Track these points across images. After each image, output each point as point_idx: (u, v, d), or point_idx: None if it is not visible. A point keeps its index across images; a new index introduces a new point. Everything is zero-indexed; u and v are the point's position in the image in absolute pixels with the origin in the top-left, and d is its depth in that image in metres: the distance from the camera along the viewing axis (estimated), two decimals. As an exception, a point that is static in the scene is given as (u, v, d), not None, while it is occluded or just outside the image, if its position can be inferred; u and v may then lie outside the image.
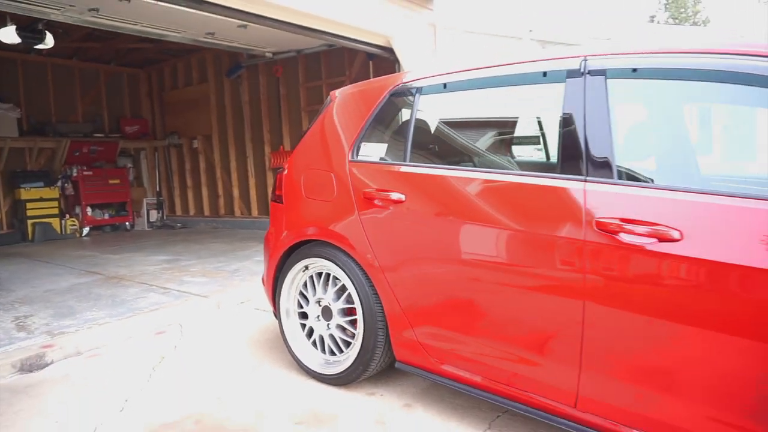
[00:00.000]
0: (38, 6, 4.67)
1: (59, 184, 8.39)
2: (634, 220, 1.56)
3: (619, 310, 1.61)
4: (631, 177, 1.71)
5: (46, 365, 2.88)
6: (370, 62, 6.63)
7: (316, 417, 2.18)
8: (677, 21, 24.50)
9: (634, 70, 1.77)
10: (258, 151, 8.24)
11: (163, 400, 2.39)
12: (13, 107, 7.83)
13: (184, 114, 9.23)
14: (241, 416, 2.21)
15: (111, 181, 8.88)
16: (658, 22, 25.97)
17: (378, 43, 5.68)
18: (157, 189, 9.76)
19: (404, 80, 2.39)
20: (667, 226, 1.51)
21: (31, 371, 2.82)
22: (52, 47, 6.19)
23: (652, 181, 1.74)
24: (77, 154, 8.59)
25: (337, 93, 2.71)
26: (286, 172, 2.73)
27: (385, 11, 5.49)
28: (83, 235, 8.41)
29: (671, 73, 1.70)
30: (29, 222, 7.93)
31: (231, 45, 6.50)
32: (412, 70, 2.49)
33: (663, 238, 1.51)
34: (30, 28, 5.79)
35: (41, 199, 8.07)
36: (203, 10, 4.14)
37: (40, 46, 6.05)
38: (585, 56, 1.83)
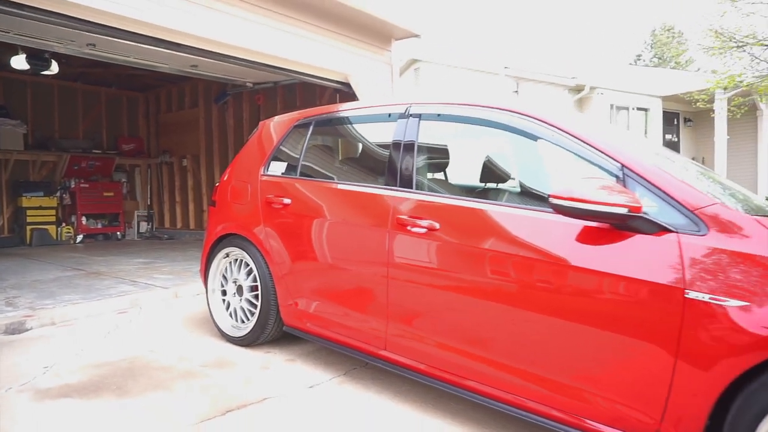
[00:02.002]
0: (45, 40, 5.55)
1: (58, 194, 9.21)
2: (418, 217, 2.33)
3: (408, 276, 2.36)
4: (421, 189, 2.48)
5: (27, 330, 3.62)
6: (337, 95, 7.48)
7: (220, 363, 2.92)
8: (661, 60, 25.51)
9: (438, 114, 2.57)
10: (239, 171, 9.04)
11: (109, 350, 3.13)
12: (21, 123, 8.71)
13: (176, 135, 10.11)
14: (164, 360, 2.95)
15: (106, 194, 9.69)
16: (644, 61, 26.98)
17: (337, 79, 6.54)
18: (148, 203, 10.59)
19: (303, 116, 3.19)
20: (433, 220, 2.27)
21: (14, 333, 3.55)
22: (58, 71, 7.09)
23: (429, 191, 2.50)
24: (76, 167, 9.43)
25: (263, 123, 3.52)
26: (219, 184, 3.52)
27: (342, 52, 6.35)
28: (77, 241, 9.19)
29: (455, 118, 2.49)
30: (28, 228, 8.73)
31: (214, 75, 7.37)
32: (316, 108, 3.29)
33: (431, 228, 2.27)
34: (38, 56, 6.68)
35: (40, 207, 8.88)
36: (162, 47, 4.96)
37: (46, 72, 6.94)
38: (410, 104, 2.63)
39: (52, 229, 9.03)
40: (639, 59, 27.88)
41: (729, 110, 10.12)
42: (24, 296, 4.42)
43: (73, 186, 9.28)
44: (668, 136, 15.01)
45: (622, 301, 1.78)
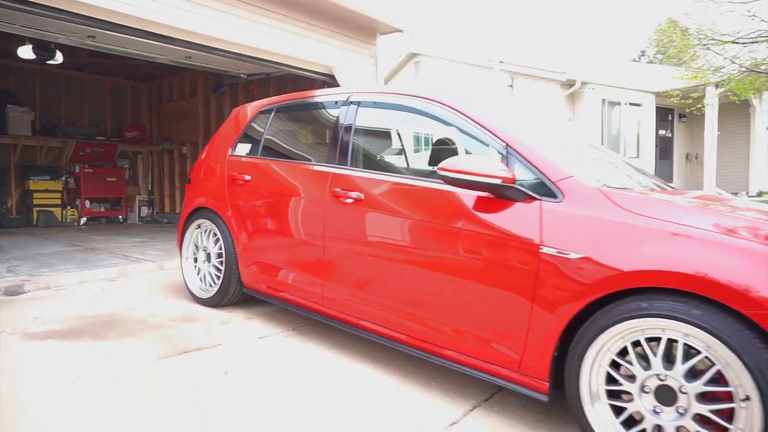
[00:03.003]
0: (48, 32, 5.97)
1: (63, 178, 9.69)
2: (349, 189, 2.71)
3: (340, 240, 2.74)
4: (356, 166, 2.85)
5: (24, 292, 4.05)
6: (325, 86, 7.84)
7: (187, 318, 3.33)
8: (664, 57, 25.65)
9: (374, 102, 2.94)
10: (235, 158, 9.47)
11: (93, 308, 3.55)
12: (29, 110, 9.19)
13: (177, 123, 10.54)
14: (139, 316, 3.37)
15: (109, 179, 10.16)
16: (648, 58, 27.00)
17: (322, 71, 6.91)
18: (149, 188, 11.05)
19: (268, 102, 3.58)
20: (359, 191, 2.65)
21: (12, 295, 3.99)
22: (65, 61, 7.55)
23: (357, 165, 2.86)
24: (81, 153, 9.89)
25: (236, 109, 3.90)
26: (195, 164, 3.91)
27: (327, 46, 6.72)
28: (81, 224, 9.67)
29: (386, 105, 2.86)
30: (35, 209, 9.22)
31: (209, 67, 7.78)
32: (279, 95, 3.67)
33: (357, 199, 2.65)
34: (43, 47, 7.12)
35: (47, 191, 9.37)
36: (155, 40, 5.36)
37: (51, 62, 7.39)
38: (351, 93, 3.00)
39: (57, 211, 9.51)
40: (643, 55, 27.94)
41: (702, 106, 10.37)
42: (24, 266, 4.86)
43: (77, 171, 9.75)
44: (662, 132, 15.20)
45: (496, 258, 2.15)
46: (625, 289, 1.81)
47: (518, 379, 2.09)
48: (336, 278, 2.78)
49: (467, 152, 2.58)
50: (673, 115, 15.41)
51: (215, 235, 3.58)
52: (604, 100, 12.97)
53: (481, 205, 2.21)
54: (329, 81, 7.17)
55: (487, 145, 2.36)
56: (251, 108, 3.74)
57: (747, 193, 14.54)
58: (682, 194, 2.51)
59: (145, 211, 10.82)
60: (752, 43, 7.29)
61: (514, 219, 2.11)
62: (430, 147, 2.89)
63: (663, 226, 1.82)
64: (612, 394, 1.88)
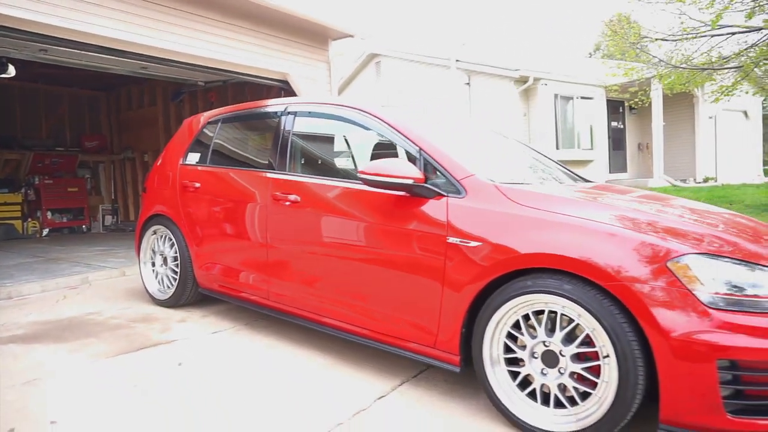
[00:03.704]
0: (1, 47, 6.04)
1: (23, 190, 9.66)
2: (287, 192, 2.97)
3: (282, 239, 3.01)
4: (293, 171, 3.11)
5: (-15, 304, 4.19)
6: (282, 92, 8.06)
7: (145, 319, 3.55)
8: (616, 51, 26.27)
9: (309, 112, 3.20)
10: (196, 164, 9.61)
11: (54, 314, 3.73)
12: (-17, 124, 9.14)
13: (137, 132, 10.60)
14: (99, 318, 3.56)
15: (70, 189, 10.15)
16: (602, 52, 27.88)
17: (276, 78, 7.13)
18: (112, 197, 11.07)
19: (215, 114, 3.81)
20: (296, 194, 2.92)
21: (-26, 307, 4.13)
22: (19, 73, 7.56)
23: (296, 171, 3.13)
24: (40, 165, 9.87)
25: (187, 120, 4.12)
26: (149, 174, 4.12)
27: (279, 54, 6.94)
28: (43, 235, 9.65)
29: (318, 114, 3.13)
30: (-6, 223, 9.18)
31: (166, 76, 7.90)
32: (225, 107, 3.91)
33: (294, 201, 2.92)
34: (-5, 61, 7.14)
35: (5, 204, 9.32)
36: (107, 54, 5.52)
37: (3, 76, 7.40)
38: (288, 104, 3.26)
39: (17, 223, 9.48)
40: (598, 50, 28.80)
41: (634, 100, 10.96)
42: (-15, 278, 4.97)
43: (37, 182, 9.73)
44: (614, 124, 15.85)
45: (412, 249, 2.44)
46: (516, 270, 2.13)
47: (435, 354, 2.39)
48: (280, 274, 3.04)
49: (388, 156, 2.87)
50: (624, 107, 16.07)
51: (170, 239, 3.79)
52: (556, 95, 13.47)
53: (397, 203, 2.50)
54: (284, 87, 7.41)
55: (404, 148, 2.65)
56: (200, 119, 3.97)
57: (695, 179, 15.30)
58: (582, 186, 2.86)
59: (109, 219, 10.84)
60: (679, 40, 7.78)
61: (426, 214, 2.41)
62: (356, 151, 3.18)
63: (545, 216, 2.14)
64: (510, 362, 2.20)
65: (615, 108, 15.67)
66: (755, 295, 1.82)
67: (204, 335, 3.23)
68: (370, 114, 2.82)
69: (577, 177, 3.34)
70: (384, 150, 3.15)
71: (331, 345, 3.03)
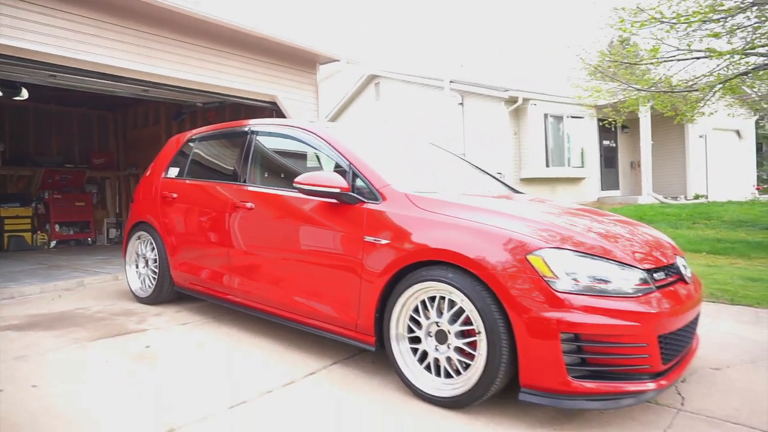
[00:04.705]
0: (14, 73, 6.67)
1: (33, 204, 10.27)
2: (245, 201, 3.45)
3: (240, 242, 3.48)
4: (252, 182, 3.60)
5: (-10, 302, 4.70)
6: (273, 113, 8.62)
7: (126, 313, 4.03)
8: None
9: (269, 132, 3.70)
10: (196, 180, 10.19)
11: (48, 309, 4.22)
12: (-1, 142, 9.81)
13: (142, 149, 11.21)
14: (87, 313, 4.05)
15: (77, 204, 10.76)
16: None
17: (266, 100, 7.69)
18: (117, 211, 11.66)
19: (194, 133, 4.32)
20: (252, 202, 3.40)
21: (-20, 304, 4.64)
22: (32, 94, 8.23)
23: (255, 183, 3.61)
24: (50, 180, 10.50)
25: (171, 138, 4.64)
26: (137, 187, 4.63)
27: (269, 78, 7.51)
28: (51, 246, 10.23)
29: (275, 134, 3.63)
30: (5, 235, 9.77)
31: (166, 98, 8.50)
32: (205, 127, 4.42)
33: (251, 209, 3.39)
34: (10, 85, 7.79)
35: (17, 217, 9.94)
36: (108, 80, 6.11)
37: (17, 98, 8.06)
38: (252, 124, 3.76)
39: (27, 235, 10.07)
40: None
41: (607, 122, 11.44)
42: (-8, 281, 5.49)
43: (47, 197, 10.35)
44: (606, 142, 16.25)
45: (338, 247, 2.90)
46: (416, 263, 2.57)
47: (357, 335, 2.83)
48: (238, 272, 3.51)
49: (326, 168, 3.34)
50: (616, 126, 16.47)
51: (152, 244, 4.28)
52: (546, 115, 13.93)
53: (328, 208, 2.97)
54: (275, 108, 7.96)
55: (337, 162, 3.13)
56: (180, 137, 4.49)
57: (685, 196, 15.61)
58: (503, 196, 3.30)
59: (113, 232, 11.42)
60: (658, 63, 8.16)
61: (349, 217, 2.87)
62: (303, 166, 3.66)
63: (441, 218, 2.59)
64: (412, 340, 2.63)
65: (607, 127, 16.07)
66: (598, 281, 2.24)
67: (174, 326, 3.69)
68: (312, 132, 3.31)
69: (511, 189, 3.78)
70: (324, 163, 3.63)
71: (281, 333, 3.48)
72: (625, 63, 8.74)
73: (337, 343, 3.16)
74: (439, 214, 2.62)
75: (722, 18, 6.59)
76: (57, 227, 10.41)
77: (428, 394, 2.50)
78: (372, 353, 3.00)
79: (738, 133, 17.55)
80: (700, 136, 15.97)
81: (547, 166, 13.84)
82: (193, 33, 6.50)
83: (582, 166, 14.81)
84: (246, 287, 3.46)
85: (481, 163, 4.32)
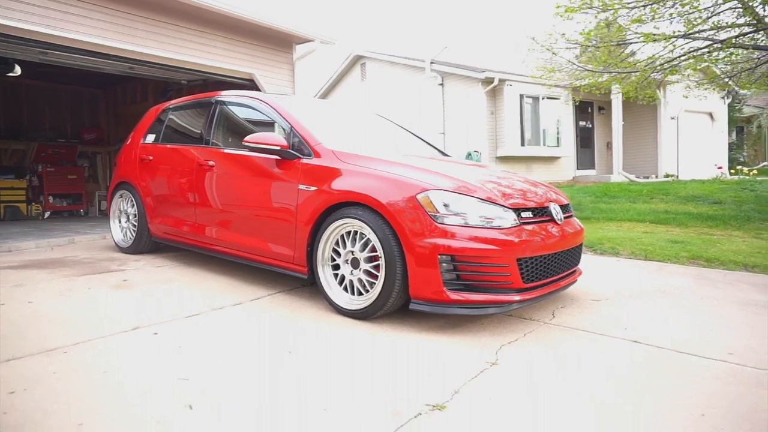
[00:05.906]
0: (6, 51, 7.21)
1: (27, 177, 10.84)
2: (207, 159, 4.07)
3: (202, 194, 4.10)
4: (215, 144, 4.20)
5: (-10, 254, 5.32)
6: (254, 89, 9.17)
7: (110, 259, 4.67)
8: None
9: (230, 101, 4.30)
10: (182, 154, 10.77)
11: (44, 257, 4.85)
12: (-6, 117, 10.34)
13: (131, 125, 11.72)
14: (76, 259, 4.68)
15: (70, 177, 11.32)
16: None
17: (244, 78, 8.25)
18: (108, 184, 12.24)
19: (168, 103, 4.91)
20: (212, 161, 4.01)
21: (-19, 255, 5.26)
22: (25, 71, 8.75)
23: (218, 145, 4.22)
24: (43, 154, 11.05)
25: (150, 109, 5.23)
26: (120, 151, 5.24)
27: (247, 56, 8.06)
28: (45, 217, 10.82)
29: (235, 103, 4.23)
30: (2, 205, 10.36)
31: (153, 76, 9.04)
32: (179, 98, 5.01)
33: (212, 167, 4.01)
34: (2, 61, 8.32)
35: (12, 188, 10.51)
36: (96, 57, 6.66)
37: (10, 74, 8.58)
38: (217, 95, 4.36)
39: (23, 206, 10.66)
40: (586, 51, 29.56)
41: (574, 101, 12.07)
42: (-9, 238, 6.11)
43: (40, 170, 10.91)
44: (582, 123, 16.85)
45: (279, 195, 3.52)
46: (336, 204, 3.20)
47: (293, 267, 3.47)
48: (203, 220, 4.14)
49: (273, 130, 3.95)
50: (593, 107, 17.07)
51: (132, 201, 4.90)
52: (522, 95, 14.49)
53: (272, 163, 3.59)
54: (252, 86, 8.52)
55: (282, 126, 3.74)
56: (156, 108, 5.08)
57: (656, 175, 16.26)
58: (426, 156, 3.91)
59: (104, 205, 12.01)
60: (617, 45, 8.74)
61: (288, 171, 3.50)
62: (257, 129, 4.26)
63: (358, 169, 3.21)
64: (334, 267, 3.27)
65: (584, 108, 16.65)
66: (470, 216, 2.87)
67: (150, 268, 4.33)
68: (265, 102, 3.92)
69: (438, 150, 4.41)
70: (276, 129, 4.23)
71: (239, 272, 4.12)
72: (572, 46, 9.30)
73: (285, 277, 3.80)
74: (358, 166, 3.24)
75: (647, 5, 7.19)
76: (51, 199, 10.98)
77: (344, 307, 3.15)
78: (309, 288, 3.64)
79: (711, 115, 18.15)
80: (672, 118, 16.57)
81: (523, 145, 14.42)
82: (175, 14, 7.03)
83: (557, 146, 15.39)
84: (210, 233, 4.09)
85: (445, 139, 4.92)
